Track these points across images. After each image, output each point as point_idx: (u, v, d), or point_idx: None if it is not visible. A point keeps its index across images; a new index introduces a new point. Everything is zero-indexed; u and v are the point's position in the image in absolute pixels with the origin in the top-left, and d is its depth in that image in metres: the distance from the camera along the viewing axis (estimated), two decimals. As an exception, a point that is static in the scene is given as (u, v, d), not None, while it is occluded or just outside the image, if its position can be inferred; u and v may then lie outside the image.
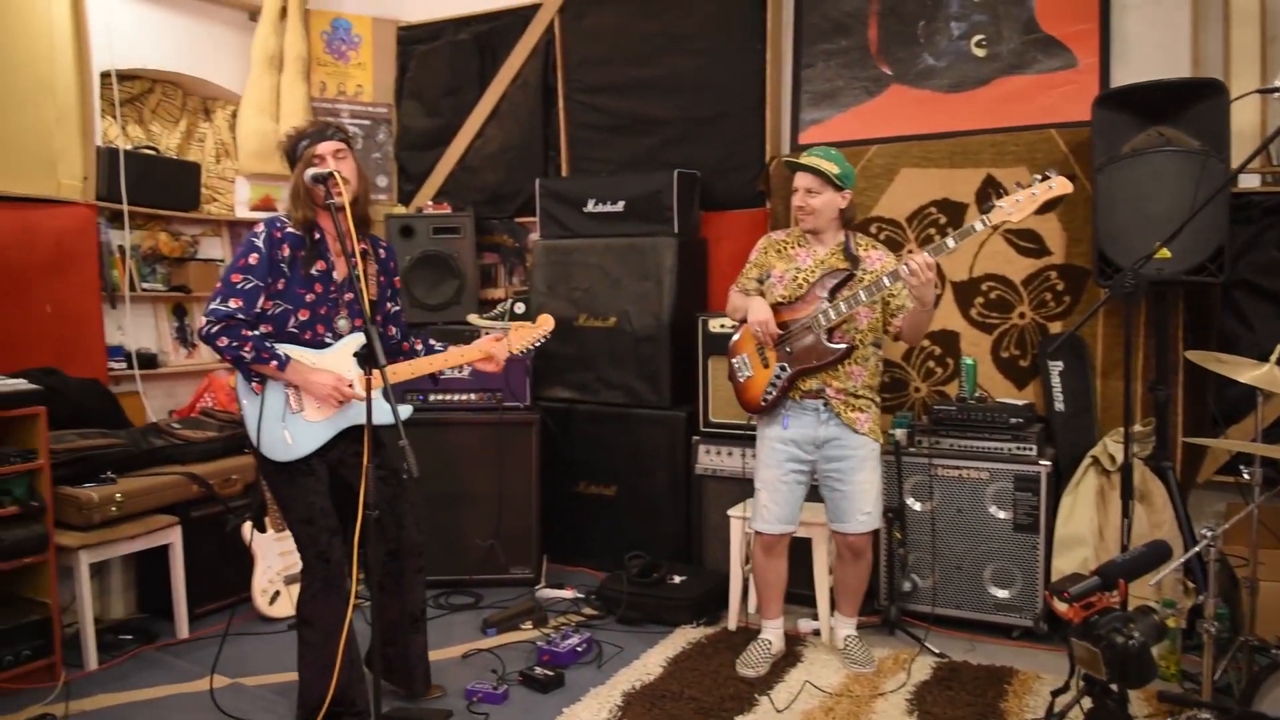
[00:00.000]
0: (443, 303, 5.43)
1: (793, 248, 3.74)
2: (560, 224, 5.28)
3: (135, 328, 5.35)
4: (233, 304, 3.08)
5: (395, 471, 3.34)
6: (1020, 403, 4.33)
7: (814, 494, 3.87)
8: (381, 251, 3.43)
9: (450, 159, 6.06)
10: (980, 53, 4.66)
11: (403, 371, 3.30)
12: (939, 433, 4.28)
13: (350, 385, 3.18)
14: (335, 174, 3.04)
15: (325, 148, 3.17)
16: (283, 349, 3.15)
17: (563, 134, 5.68)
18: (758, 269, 3.79)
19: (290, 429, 3.19)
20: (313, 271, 3.20)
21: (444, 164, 6.09)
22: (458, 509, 4.86)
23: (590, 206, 5.16)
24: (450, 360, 3.38)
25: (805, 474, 3.75)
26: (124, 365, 5.17)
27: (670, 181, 4.96)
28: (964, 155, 4.59)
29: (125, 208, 5.15)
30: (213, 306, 3.08)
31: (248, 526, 4.40)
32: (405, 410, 3.16)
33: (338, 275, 3.24)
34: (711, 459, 4.81)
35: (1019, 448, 4.15)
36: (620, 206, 5.08)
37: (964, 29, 4.71)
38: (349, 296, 3.22)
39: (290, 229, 3.19)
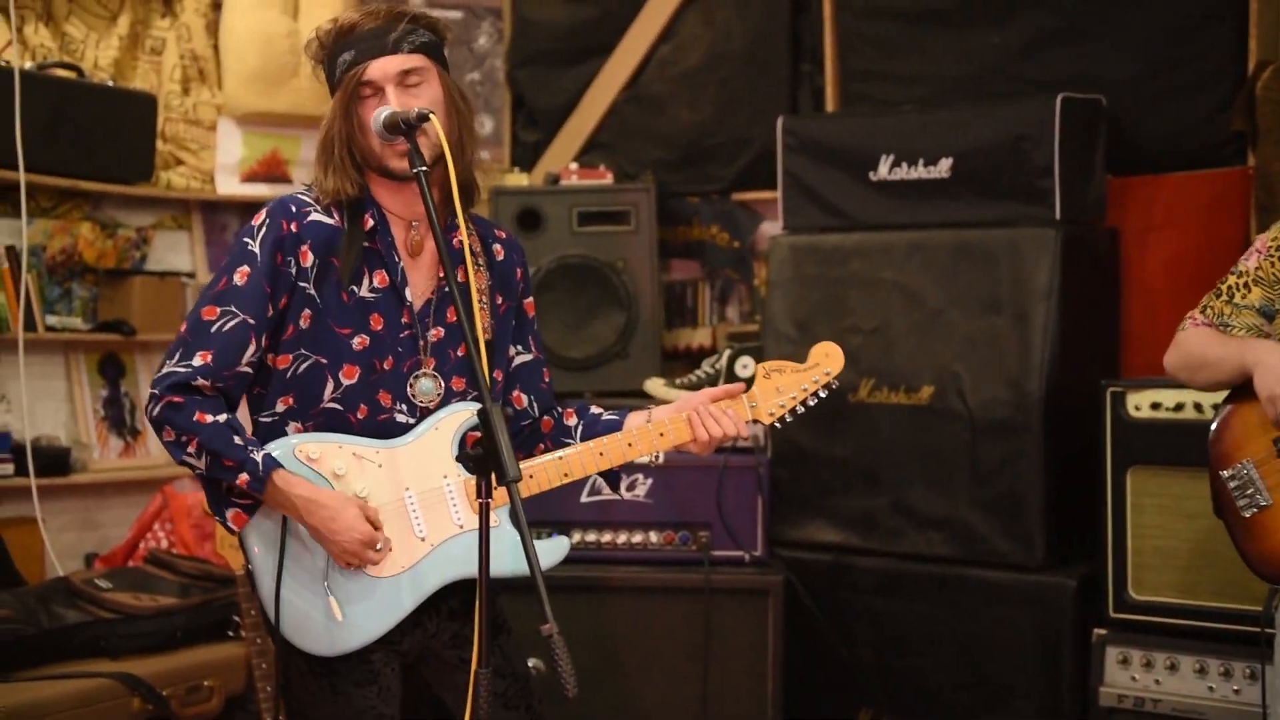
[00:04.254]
0: (595, 354, 4.74)
1: None
2: (824, 204, 4.48)
3: (33, 397, 4.78)
4: (198, 360, 2.60)
5: (524, 682, 2.86)
6: None
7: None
8: (497, 248, 2.92)
9: (610, 84, 5.26)
10: None
11: (541, 476, 2.81)
12: None
13: (382, 544, 2.65)
14: (431, 115, 2.54)
15: (382, 69, 2.62)
16: (284, 444, 2.64)
17: (828, 30, 4.84)
18: (1262, 289, 3.05)
19: (339, 591, 2.70)
20: (365, 293, 2.68)
21: (598, 93, 5.30)
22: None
23: (884, 170, 4.38)
24: (638, 446, 2.79)
25: None
26: (11, 467, 4.62)
27: (1049, 118, 4.07)
28: None
29: (22, 176, 4.54)
30: (166, 367, 2.62)
31: (231, 784, 4.00)
32: (556, 550, 2.83)
33: (413, 295, 2.73)
34: (1135, 677, 3.82)
35: None
36: (944, 169, 4.25)
37: None
38: (438, 334, 2.73)
39: (317, 215, 2.68)
